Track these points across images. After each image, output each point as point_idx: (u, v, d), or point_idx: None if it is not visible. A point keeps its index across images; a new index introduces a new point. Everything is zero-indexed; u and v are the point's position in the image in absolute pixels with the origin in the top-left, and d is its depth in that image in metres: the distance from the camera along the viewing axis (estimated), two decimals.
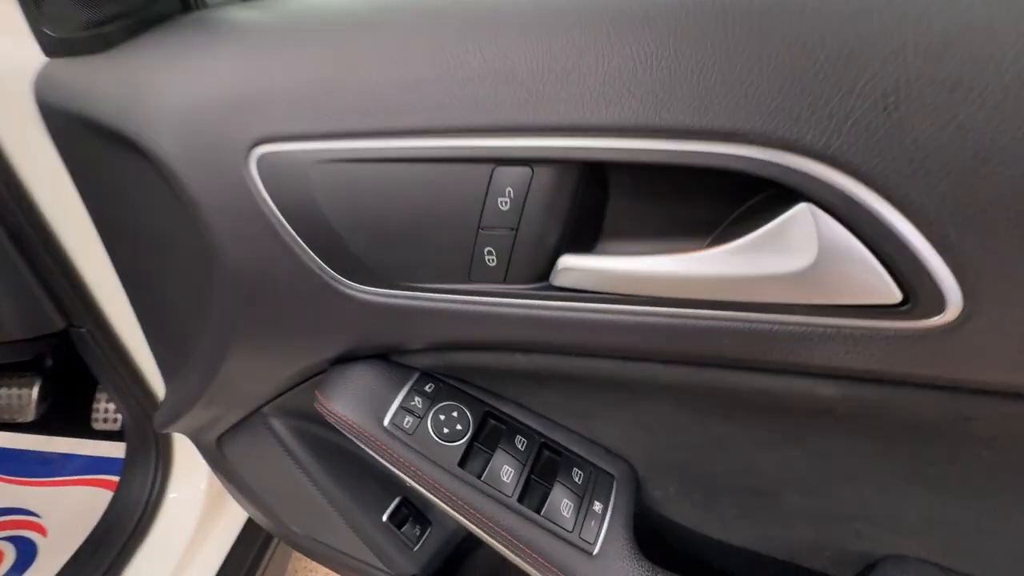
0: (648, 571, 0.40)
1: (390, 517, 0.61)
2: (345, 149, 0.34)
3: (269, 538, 0.99)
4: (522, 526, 0.40)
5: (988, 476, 0.34)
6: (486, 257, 0.34)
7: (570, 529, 0.41)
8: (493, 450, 0.42)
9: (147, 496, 0.89)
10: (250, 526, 0.96)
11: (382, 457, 0.42)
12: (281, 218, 0.37)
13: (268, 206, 0.37)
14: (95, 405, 1.09)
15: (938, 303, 0.26)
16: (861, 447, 0.36)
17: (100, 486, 1.10)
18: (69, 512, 1.04)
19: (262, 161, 0.36)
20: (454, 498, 0.41)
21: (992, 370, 0.28)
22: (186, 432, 0.68)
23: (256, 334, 0.45)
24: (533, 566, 0.40)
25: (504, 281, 0.35)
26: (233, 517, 0.96)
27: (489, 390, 0.45)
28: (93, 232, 0.64)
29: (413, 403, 0.43)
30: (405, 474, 0.41)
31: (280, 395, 0.53)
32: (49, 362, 1.15)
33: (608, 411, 0.43)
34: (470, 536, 0.68)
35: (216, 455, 0.69)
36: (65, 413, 1.19)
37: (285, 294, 0.41)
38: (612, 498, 0.43)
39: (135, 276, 0.60)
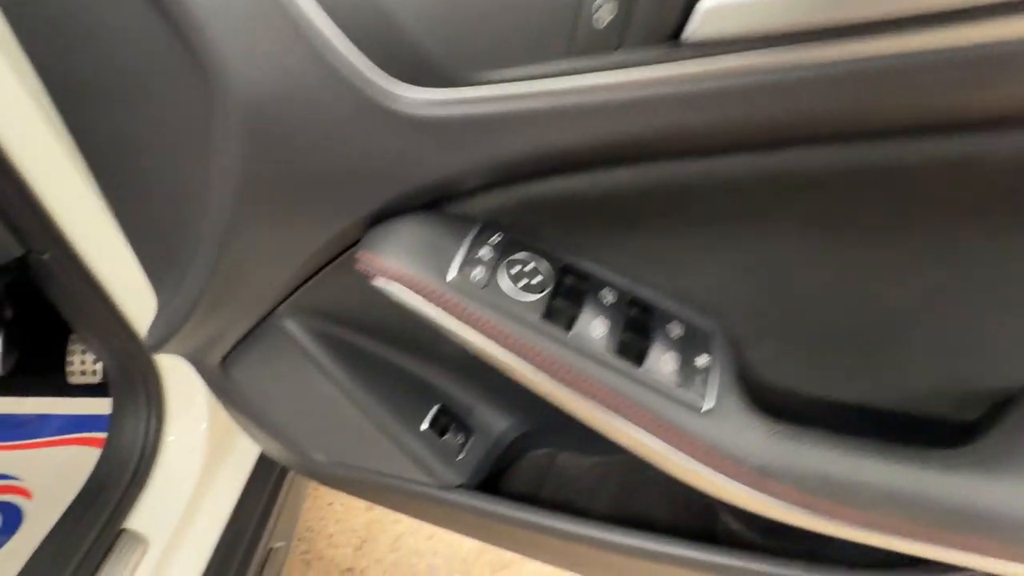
0: (767, 424, 0.34)
1: (430, 426, 0.54)
2: None
3: (283, 475, 0.92)
4: (623, 383, 0.34)
5: None
6: (594, 13, 0.25)
7: (678, 384, 0.34)
8: (579, 304, 0.35)
9: (142, 444, 0.81)
10: (262, 464, 0.89)
11: (451, 314, 0.34)
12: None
13: None
14: (69, 358, 0.98)
15: None
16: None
17: (86, 444, 1.00)
18: (55, 473, 0.95)
19: None
20: (540, 356, 0.34)
21: None
22: (185, 354, 0.59)
23: (270, 196, 0.36)
24: (640, 425, 0.34)
25: (620, 48, 0.26)
26: (242, 455, 0.89)
27: (563, 242, 0.37)
28: (47, 129, 0.53)
29: (480, 254, 0.35)
30: (479, 334, 0.34)
31: (299, 288, 0.44)
32: (9, 312, 1.03)
33: (704, 256, 0.36)
34: (515, 443, 0.62)
35: (221, 380, 0.61)
36: (35, 369, 1.08)
37: (312, 124, 0.31)
38: (716, 352, 0.37)
39: (106, 152, 0.49)
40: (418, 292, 0.34)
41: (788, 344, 0.39)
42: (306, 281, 0.44)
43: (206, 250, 0.43)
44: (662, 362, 0.34)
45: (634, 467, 0.63)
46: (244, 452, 0.91)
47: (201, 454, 0.84)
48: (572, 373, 0.33)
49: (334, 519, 1.30)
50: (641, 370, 0.34)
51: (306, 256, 0.40)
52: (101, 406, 1.01)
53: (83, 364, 0.96)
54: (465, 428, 0.57)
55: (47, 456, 1.02)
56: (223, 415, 0.70)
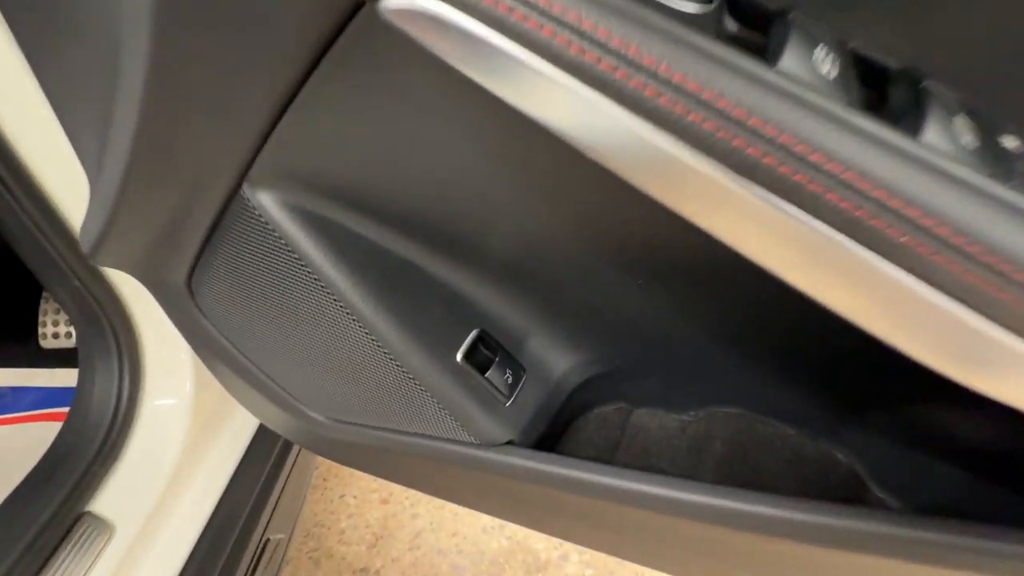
0: None
1: (465, 357, 0.39)
2: None
3: (285, 454, 0.77)
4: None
5: None
6: None
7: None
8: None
9: (112, 413, 0.67)
10: (259, 440, 0.75)
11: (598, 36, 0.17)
12: None
13: None
14: (42, 318, 0.85)
15: None
16: None
17: (58, 420, 0.87)
18: (21, 452, 0.82)
19: None
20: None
21: None
22: (139, 270, 0.45)
23: None
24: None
25: None
26: (235, 428, 0.74)
27: None
28: None
29: None
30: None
31: (272, 131, 0.30)
32: None
33: None
34: (576, 394, 0.47)
35: (190, 312, 0.46)
36: (9, 338, 0.96)
37: None
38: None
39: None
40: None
41: None
42: (274, 126, 0.29)
43: (125, 92, 0.28)
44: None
45: (743, 424, 0.47)
46: (238, 425, 0.77)
47: (185, 425, 0.70)
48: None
49: (346, 513, 1.15)
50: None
51: (284, 81, 0.26)
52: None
53: (56, 325, 0.84)
54: (514, 365, 0.41)
55: (17, 434, 0.89)
56: (213, 379, 0.56)
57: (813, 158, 0.17)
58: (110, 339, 0.67)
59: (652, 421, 0.47)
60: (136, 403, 0.69)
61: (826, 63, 0.18)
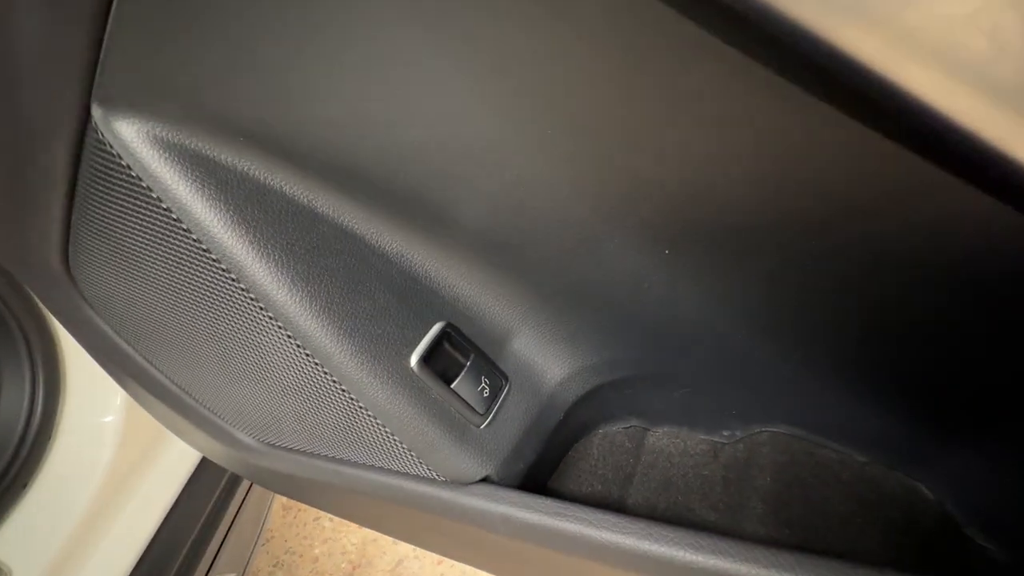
0: None
1: (423, 360, 0.28)
2: None
3: (235, 481, 0.66)
4: None
5: None
6: None
7: None
8: None
9: (21, 429, 0.56)
10: (205, 465, 0.63)
11: None
12: None
13: None
14: None
15: None
16: None
17: None
18: None
19: None
20: None
21: None
22: (8, 257, 0.34)
23: None
24: None
25: None
26: (175, 453, 0.63)
27: None
28: None
29: None
30: None
31: (107, 17, 0.19)
32: None
33: None
34: (577, 408, 0.35)
35: (71, 299, 0.36)
36: None
37: None
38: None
39: None
40: None
41: None
42: (107, 9, 0.19)
43: None
44: None
45: (795, 448, 0.36)
46: (181, 446, 0.66)
47: (112, 449, 0.59)
48: None
49: (321, 538, 1.03)
50: None
51: None
52: None
53: None
54: (492, 372, 0.30)
55: None
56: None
57: None
58: (19, 343, 0.56)
59: (674, 444, 0.37)
60: (52, 421, 0.58)
61: None
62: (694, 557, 0.24)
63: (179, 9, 0.20)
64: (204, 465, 0.65)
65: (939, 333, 0.24)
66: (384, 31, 0.19)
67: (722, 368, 0.33)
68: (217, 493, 0.65)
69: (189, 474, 0.64)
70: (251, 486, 0.70)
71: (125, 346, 0.37)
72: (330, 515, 1.05)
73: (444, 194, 0.26)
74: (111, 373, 0.43)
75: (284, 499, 1.06)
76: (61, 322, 0.39)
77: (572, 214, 0.25)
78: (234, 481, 0.66)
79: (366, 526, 0.42)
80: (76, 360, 0.59)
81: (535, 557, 0.29)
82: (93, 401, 0.60)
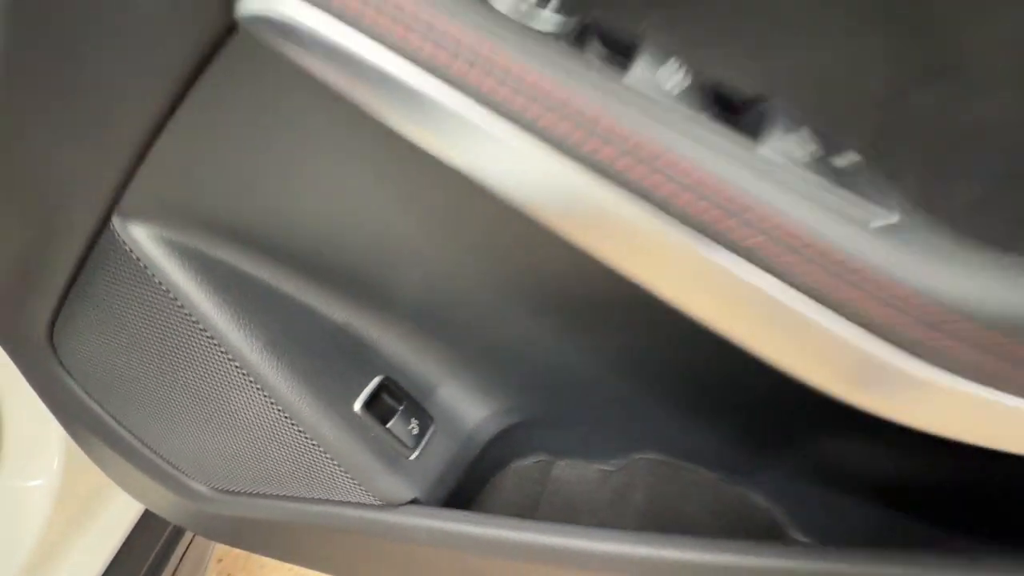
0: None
1: (366, 406, 0.36)
2: None
3: (178, 536, 0.67)
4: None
5: None
6: None
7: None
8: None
9: None
10: (145, 521, 0.64)
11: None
12: None
13: None
14: None
15: None
16: None
17: None
18: None
19: None
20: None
21: None
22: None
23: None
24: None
25: None
26: (117, 509, 0.64)
27: None
28: None
29: None
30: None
31: (144, 156, 0.27)
32: None
33: None
34: (493, 446, 0.44)
35: (50, 367, 0.41)
36: None
37: None
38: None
39: None
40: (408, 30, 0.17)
41: None
42: (147, 151, 0.27)
43: None
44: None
45: (666, 472, 0.45)
46: (117, 509, 0.66)
47: (45, 514, 0.60)
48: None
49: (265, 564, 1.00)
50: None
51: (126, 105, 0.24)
52: None
53: None
54: (421, 414, 0.38)
55: None
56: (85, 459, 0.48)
57: (660, 162, 0.17)
58: None
59: (573, 473, 0.45)
60: None
61: (674, 79, 0.18)
62: (581, 543, 0.32)
63: (198, 151, 0.28)
64: (140, 528, 0.66)
65: (727, 374, 0.34)
66: (326, 159, 0.28)
67: (606, 409, 0.42)
68: (152, 556, 0.66)
69: (124, 536, 0.65)
70: (187, 550, 0.70)
71: (93, 404, 0.42)
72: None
73: (380, 278, 0.35)
74: (66, 425, 0.46)
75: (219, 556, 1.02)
76: (31, 383, 0.43)
77: (479, 292, 0.34)
78: (172, 543, 0.67)
79: (307, 566, 0.46)
80: (13, 425, 0.61)
81: (458, 567, 0.36)
82: (28, 464, 0.61)
